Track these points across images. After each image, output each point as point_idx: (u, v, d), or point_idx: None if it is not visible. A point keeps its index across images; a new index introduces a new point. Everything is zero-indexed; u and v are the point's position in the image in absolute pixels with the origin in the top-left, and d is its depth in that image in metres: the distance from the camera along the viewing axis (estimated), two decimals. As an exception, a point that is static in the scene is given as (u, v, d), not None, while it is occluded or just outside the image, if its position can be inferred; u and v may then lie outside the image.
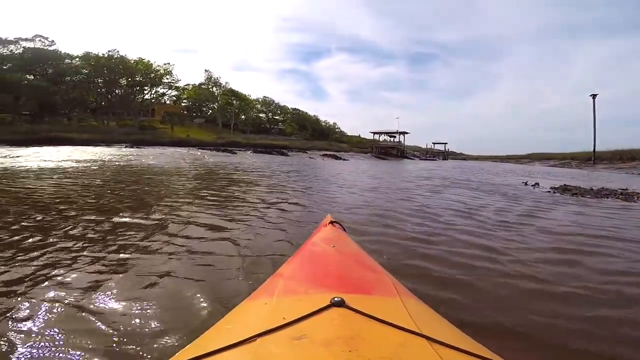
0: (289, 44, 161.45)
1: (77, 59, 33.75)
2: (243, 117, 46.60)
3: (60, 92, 31.83)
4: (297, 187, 6.76)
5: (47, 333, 1.35)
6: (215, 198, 4.81)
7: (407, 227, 3.51)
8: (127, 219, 3.30)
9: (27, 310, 1.53)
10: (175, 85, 41.15)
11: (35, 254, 2.25)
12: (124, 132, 30.37)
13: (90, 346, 1.28)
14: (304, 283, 0.89)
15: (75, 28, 77.62)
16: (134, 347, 1.29)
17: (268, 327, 0.62)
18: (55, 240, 2.57)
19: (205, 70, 51.57)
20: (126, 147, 22.11)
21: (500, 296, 1.93)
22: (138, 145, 23.72)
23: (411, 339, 0.60)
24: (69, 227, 2.92)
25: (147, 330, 1.40)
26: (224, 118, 43.13)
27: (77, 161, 10.88)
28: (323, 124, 59.35)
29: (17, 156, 11.97)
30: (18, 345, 1.27)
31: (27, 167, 8.60)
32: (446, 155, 51.89)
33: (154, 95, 40.14)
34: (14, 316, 1.48)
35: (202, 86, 44.22)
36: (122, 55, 34.91)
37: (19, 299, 1.64)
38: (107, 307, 1.59)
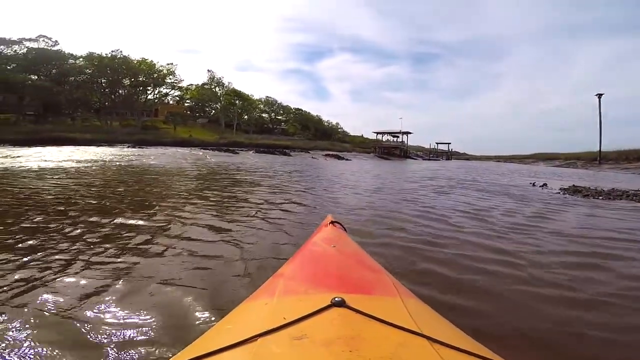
0: (292, 44, 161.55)
1: (81, 59, 33.82)
2: (246, 117, 46.50)
3: (64, 93, 31.91)
4: (299, 187, 6.62)
5: (43, 339, 1.30)
6: (215, 199, 4.69)
7: (414, 230, 3.37)
8: (124, 221, 3.20)
9: (20, 317, 1.45)
10: (178, 85, 41.18)
11: (29, 257, 2.17)
12: (126, 132, 30.38)
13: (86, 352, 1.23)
14: (304, 283, 0.88)
15: (79, 28, 78.08)
16: (132, 353, 1.24)
17: (268, 327, 0.62)
18: (51, 242, 2.48)
19: (208, 71, 51.71)
20: (128, 147, 22.09)
21: (518, 303, 1.82)
22: (140, 145, 23.70)
23: (412, 339, 0.60)
24: (64, 229, 2.84)
25: (145, 336, 1.35)
26: (227, 118, 43.08)
27: (78, 161, 10.81)
28: (326, 124, 59.22)
29: (18, 156, 11.93)
30: (6, 355, 1.21)
31: (26, 168, 8.53)
32: (449, 155, 51.56)
33: (157, 96, 40.15)
34: (4, 324, 1.40)
35: (205, 86, 44.21)
36: (125, 56, 34.98)
37: (9, 305, 1.55)
38: (105, 312, 1.52)
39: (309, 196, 5.44)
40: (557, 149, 38.29)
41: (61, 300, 1.61)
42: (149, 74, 36.89)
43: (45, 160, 10.56)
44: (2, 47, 29.73)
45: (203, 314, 1.53)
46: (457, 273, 2.21)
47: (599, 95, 30.53)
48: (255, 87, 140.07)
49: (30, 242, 2.47)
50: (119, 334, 1.34)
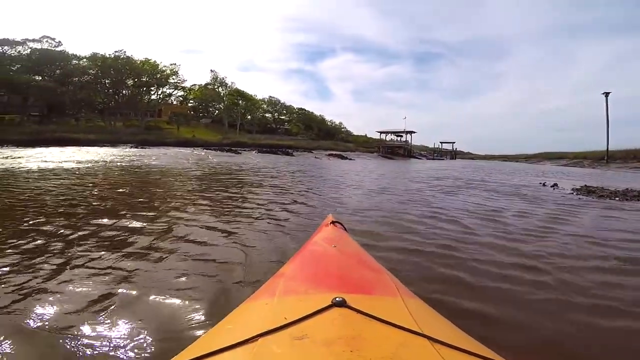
0: (294, 44, 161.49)
1: (84, 60, 33.83)
2: (249, 117, 46.33)
3: (67, 93, 31.96)
4: (302, 188, 6.43)
5: (34, 350, 1.25)
6: (214, 200, 4.52)
7: (426, 232, 3.20)
8: (120, 223, 3.08)
9: (16, 324, 1.39)
10: (182, 85, 41.10)
11: (26, 260, 2.08)
12: (129, 132, 30.36)
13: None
14: (305, 283, 0.88)
15: (83, 29, 78.52)
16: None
17: (269, 327, 0.62)
18: (47, 245, 2.40)
19: (211, 71, 51.30)
20: (131, 147, 22.02)
21: (545, 310, 1.70)
22: (143, 145, 23.64)
23: (412, 339, 0.59)
24: (60, 231, 2.73)
25: (146, 342, 1.29)
26: (230, 118, 42.94)
27: (78, 162, 10.71)
28: (329, 123, 58.94)
29: (19, 157, 11.85)
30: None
31: (26, 168, 8.42)
32: (454, 154, 51.13)
33: (161, 96, 40.10)
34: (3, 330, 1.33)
35: (208, 86, 44.12)
36: (128, 56, 34.88)
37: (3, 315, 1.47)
38: (105, 319, 1.45)
39: (313, 197, 5.24)
40: (559, 149, 37.97)
41: (58, 306, 1.54)
42: (152, 74, 36.80)
43: (46, 161, 10.47)
44: (6, 47, 29.82)
45: (205, 322, 1.44)
46: (476, 279, 2.06)
47: (606, 94, 30.22)
48: (258, 87, 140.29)
49: (27, 244, 2.38)
50: (120, 340, 1.29)
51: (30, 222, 3.02)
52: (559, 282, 2.06)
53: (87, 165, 9.53)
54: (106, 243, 2.50)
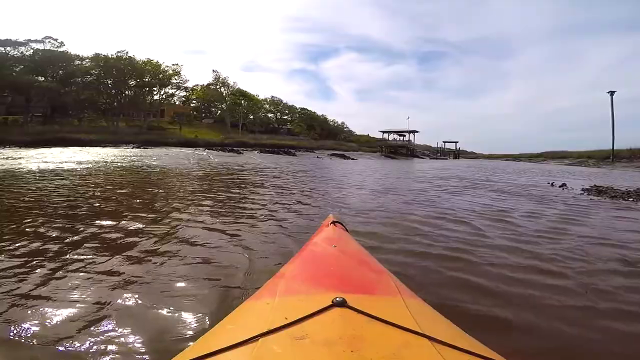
0: (298, 44, 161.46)
1: (87, 60, 33.84)
2: (251, 117, 46.25)
3: (70, 94, 32.00)
4: (305, 188, 6.29)
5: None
6: (215, 201, 4.37)
7: (432, 235, 3.05)
8: (116, 225, 2.97)
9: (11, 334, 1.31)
10: (184, 85, 41.06)
11: (21, 264, 2.00)
12: (132, 132, 30.36)
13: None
14: (305, 283, 0.88)
15: (85, 30, 78.77)
16: None
17: (270, 327, 0.62)
18: (41, 247, 2.33)
19: (213, 71, 51.46)
20: (133, 147, 21.98)
21: (567, 316, 1.62)
22: (145, 145, 23.60)
23: (413, 338, 0.59)
24: (55, 234, 2.65)
25: (144, 344, 1.26)
26: (233, 118, 42.85)
27: (79, 162, 10.62)
28: (331, 123, 58.77)
29: (20, 157, 11.80)
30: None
31: (24, 169, 8.34)
32: (457, 154, 50.83)
33: (163, 96, 40.08)
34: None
35: (210, 86, 44.08)
36: (130, 56, 34.88)
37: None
38: (106, 326, 1.38)
39: (315, 197, 5.10)
40: (562, 148, 37.70)
41: (56, 310, 1.48)
42: (154, 75, 36.79)
43: (46, 162, 10.39)
44: (9, 48, 29.86)
45: (205, 327, 1.37)
46: (491, 283, 1.96)
47: (611, 93, 30.02)
48: (261, 87, 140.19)
49: (22, 247, 2.31)
50: (121, 342, 1.26)
51: (26, 224, 2.91)
52: (578, 285, 1.97)
53: (87, 166, 9.43)
54: (103, 245, 2.42)
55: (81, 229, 2.81)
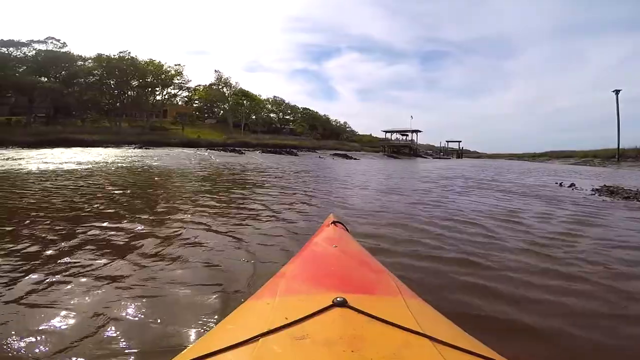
0: (300, 44, 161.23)
1: (90, 61, 33.89)
2: (254, 117, 46.17)
3: (73, 94, 32.06)
4: (307, 189, 6.14)
5: None
6: (213, 202, 4.24)
7: (441, 237, 2.92)
8: (110, 227, 2.87)
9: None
10: (186, 86, 41.05)
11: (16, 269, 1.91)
12: (134, 133, 30.36)
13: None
14: (306, 283, 0.88)
15: (88, 31, 79.18)
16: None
17: (270, 327, 0.62)
18: (37, 251, 2.24)
19: (215, 71, 51.38)
20: (135, 148, 21.95)
21: (597, 323, 1.53)
22: (147, 146, 23.57)
23: (414, 338, 0.59)
24: (48, 236, 2.56)
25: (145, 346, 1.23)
26: (235, 118, 42.80)
27: (79, 163, 10.54)
28: (334, 123, 58.58)
29: (20, 158, 11.74)
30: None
31: (24, 170, 8.26)
32: (460, 153, 50.46)
33: (166, 96, 40.08)
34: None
35: (212, 87, 44.04)
36: (132, 57, 34.90)
37: None
38: (102, 325, 1.36)
39: (318, 198, 4.94)
40: (565, 147, 37.36)
41: (53, 314, 1.43)
42: (157, 75, 36.79)
43: (46, 162, 10.31)
44: (11, 49, 29.94)
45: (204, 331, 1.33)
46: (510, 289, 1.86)
47: (617, 92, 29.71)
48: (264, 87, 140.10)
49: (19, 251, 2.24)
50: (122, 349, 1.22)
51: (23, 226, 2.82)
52: (604, 290, 1.87)
53: (86, 167, 9.34)
54: (101, 248, 2.34)
55: (78, 231, 2.72)
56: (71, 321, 1.39)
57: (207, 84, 44.35)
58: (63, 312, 1.45)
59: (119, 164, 10.66)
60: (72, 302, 1.55)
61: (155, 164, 11.56)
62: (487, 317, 1.54)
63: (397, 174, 11.71)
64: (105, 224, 2.95)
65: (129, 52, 34.93)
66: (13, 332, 1.29)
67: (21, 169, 8.47)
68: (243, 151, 23.53)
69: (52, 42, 32.36)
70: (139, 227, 2.90)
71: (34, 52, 30.99)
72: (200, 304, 1.57)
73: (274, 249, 2.45)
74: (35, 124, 28.89)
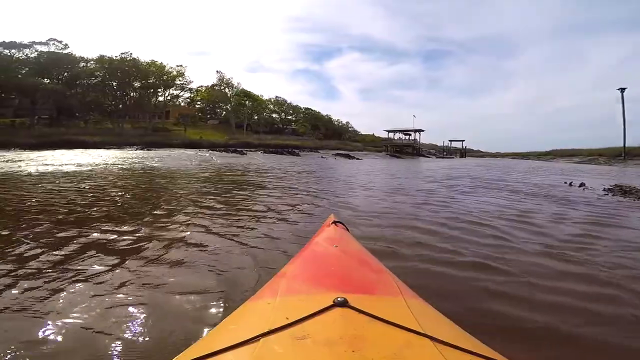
0: (301, 44, 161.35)
1: (92, 62, 33.91)
2: (256, 117, 46.07)
3: (76, 96, 32.10)
4: (309, 190, 5.97)
5: None
6: (213, 205, 4.08)
7: (451, 240, 2.77)
8: (105, 230, 2.76)
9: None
10: (188, 87, 41.02)
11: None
12: (136, 134, 30.36)
13: None
14: (306, 283, 0.88)
15: (89, 32, 79.49)
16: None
17: (271, 327, 0.62)
18: (32, 254, 2.17)
19: (217, 72, 51.23)
20: (136, 149, 21.91)
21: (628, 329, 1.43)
22: (149, 147, 23.55)
23: (415, 339, 0.59)
24: (42, 239, 2.49)
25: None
26: (238, 119, 42.73)
27: (79, 165, 10.43)
28: (336, 123, 58.41)
29: (20, 160, 11.67)
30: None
31: (23, 172, 8.16)
32: (464, 152, 50.11)
33: (168, 97, 40.09)
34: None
35: (214, 87, 43.99)
36: (134, 58, 34.89)
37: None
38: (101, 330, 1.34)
39: (321, 200, 4.77)
40: (569, 146, 36.90)
41: (50, 319, 1.40)
42: (158, 76, 36.78)
43: (46, 164, 10.21)
44: (13, 50, 30.01)
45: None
46: (532, 294, 1.76)
47: (622, 90, 29.42)
48: (265, 87, 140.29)
49: (16, 254, 2.18)
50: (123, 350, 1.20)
51: (16, 231, 2.72)
52: (632, 295, 1.77)
53: (86, 169, 9.22)
54: (99, 250, 2.27)
55: (74, 234, 2.63)
56: (71, 326, 1.36)
57: (209, 84, 44.33)
58: (63, 318, 1.41)
59: (118, 165, 10.54)
60: (70, 306, 1.51)
61: (156, 165, 11.44)
62: (514, 327, 1.45)
63: (401, 173, 11.51)
64: (100, 227, 2.86)
65: (131, 53, 34.97)
66: (10, 339, 1.26)
67: (20, 171, 8.36)
68: (245, 152, 23.40)
69: (53, 44, 32.47)
70: (136, 230, 2.81)
71: (35, 53, 31.08)
72: (202, 307, 1.53)
73: (276, 252, 2.37)
74: (39, 126, 28.93)
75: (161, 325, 1.38)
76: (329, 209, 3.95)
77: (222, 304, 1.55)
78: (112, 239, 2.53)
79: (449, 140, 52.57)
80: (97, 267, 1.97)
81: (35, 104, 29.57)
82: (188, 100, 44.76)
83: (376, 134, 58.00)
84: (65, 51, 32.80)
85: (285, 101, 51.97)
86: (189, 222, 3.16)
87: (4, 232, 2.67)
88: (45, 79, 30.80)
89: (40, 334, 1.30)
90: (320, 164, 16.02)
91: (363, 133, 60.78)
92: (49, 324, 1.36)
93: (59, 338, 1.28)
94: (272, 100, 50.27)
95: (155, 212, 3.63)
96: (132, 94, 36.35)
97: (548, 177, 10.02)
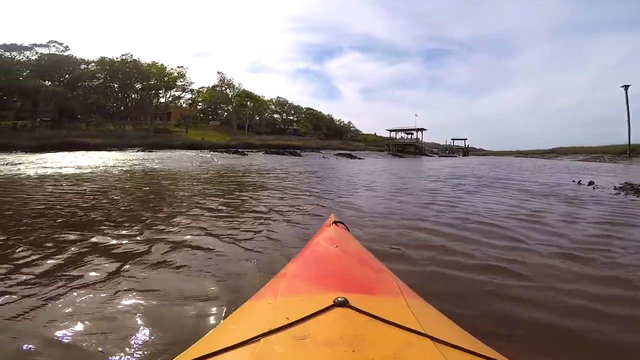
0: (302, 44, 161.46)
1: (93, 64, 33.95)
2: (257, 118, 46.01)
3: (78, 98, 32.14)
4: (310, 190, 5.84)
5: None
6: (213, 206, 3.95)
7: (461, 242, 2.63)
8: (103, 234, 2.67)
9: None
10: (189, 88, 41.02)
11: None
12: (138, 136, 30.35)
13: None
14: (307, 283, 0.88)
15: (90, 34, 79.80)
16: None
17: (271, 327, 0.62)
18: (26, 259, 2.11)
19: (218, 72, 51.30)
20: (137, 150, 21.86)
21: None
22: (150, 148, 23.51)
23: (415, 339, 0.59)
24: (38, 242, 2.45)
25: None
26: (239, 120, 42.71)
27: (78, 167, 10.35)
28: (337, 123, 58.35)
29: (19, 163, 11.60)
30: None
31: (22, 175, 8.08)
32: (467, 151, 49.81)
33: (169, 99, 40.10)
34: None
35: (215, 88, 43.97)
36: (135, 59, 34.92)
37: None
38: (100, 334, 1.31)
39: (322, 201, 4.64)
40: (572, 144, 36.53)
41: (48, 324, 1.38)
42: (160, 77, 36.79)
43: (45, 167, 10.14)
44: (14, 53, 30.08)
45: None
46: (552, 298, 1.68)
47: (626, 87, 29.19)
48: (267, 88, 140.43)
49: (14, 258, 2.13)
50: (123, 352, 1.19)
51: (13, 234, 2.66)
52: None
53: (86, 171, 9.13)
54: (98, 253, 2.23)
55: (72, 238, 2.56)
56: (70, 332, 1.33)
57: (210, 85, 44.34)
58: (63, 322, 1.39)
59: (119, 167, 10.45)
60: (70, 311, 1.48)
61: (157, 167, 11.35)
62: (534, 333, 1.38)
63: (404, 173, 11.36)
64: (100, 231, 2.79)
65: (132, 55, 34.99)
66: (13, 342, 1.25)
67: (19, 174, 8.28)
68: (246, 153, 23.31)
69: (54, 46, 32.58)
70: (136, 233, 2.73)
71: (36, 56, 31.22)
72: (203, 313, 1.50)
73: (279, 256, 2.27)
74: (41, 128, 28.99)
75: (161, 331, 1.34)
76: (332, 210, 3.82)
77: (223, 310, 1.50)
78: (113, 243, 2.46)
79: (452, 139, 52.37)
80: (97, 272, 1.91)
81: (36, 106, 29.62)
82: (189, 101, 44.83)
83: (378, 134, 57.90)
84: (66, 53, 32.92)
85: (287, 101, 52.00)
86: (190, 224, 3.07)
87: (3, 236, 2.58)
88: (47, 81, 30.87)
89: (39, 340, 1.27)
90: (322, 164, 15.89)
91: (365, 133, 60.69)
92: (48, 329, 1.33)
93: (59, 343, 1.26)
94: (274, 100, 50.29)
95: (155, 214, 3.52)
96: (133, 95, 36.39)
97: (554, 176, 9.83)
